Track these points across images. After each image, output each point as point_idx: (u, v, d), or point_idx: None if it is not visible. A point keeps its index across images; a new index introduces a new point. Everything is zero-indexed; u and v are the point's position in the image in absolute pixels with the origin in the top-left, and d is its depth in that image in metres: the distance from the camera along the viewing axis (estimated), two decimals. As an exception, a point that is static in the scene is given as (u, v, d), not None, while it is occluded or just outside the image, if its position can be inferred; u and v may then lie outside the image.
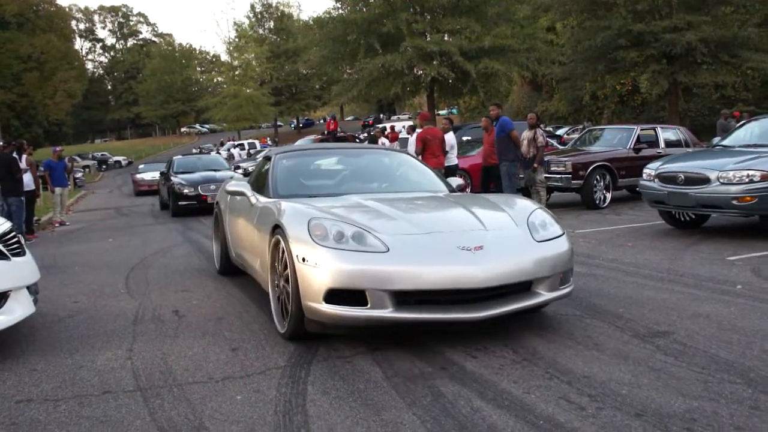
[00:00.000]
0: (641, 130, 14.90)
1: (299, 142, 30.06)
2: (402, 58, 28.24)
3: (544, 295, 4.80)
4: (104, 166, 58.53)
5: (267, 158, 7.23)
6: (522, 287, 4.73)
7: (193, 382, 4.18)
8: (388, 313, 4.38)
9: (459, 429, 3.31)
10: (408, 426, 3.37)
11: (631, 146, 14.18)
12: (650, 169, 9.91)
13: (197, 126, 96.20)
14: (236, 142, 49.86)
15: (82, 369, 4.55)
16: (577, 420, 3.35)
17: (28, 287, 5.32)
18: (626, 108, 41.38)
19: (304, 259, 4.55)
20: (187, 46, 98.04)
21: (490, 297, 4.55)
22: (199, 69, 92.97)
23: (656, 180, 9.61)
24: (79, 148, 74.12)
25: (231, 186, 6.82)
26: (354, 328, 4.69)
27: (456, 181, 7.13)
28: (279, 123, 74.36)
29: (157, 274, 8.29)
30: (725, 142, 10.62)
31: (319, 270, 4.44)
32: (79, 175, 37.26)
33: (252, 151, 42.43)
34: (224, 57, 69.26)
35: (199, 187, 16.92)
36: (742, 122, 12.62)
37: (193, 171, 18.54)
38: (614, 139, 14.89)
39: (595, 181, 13.51)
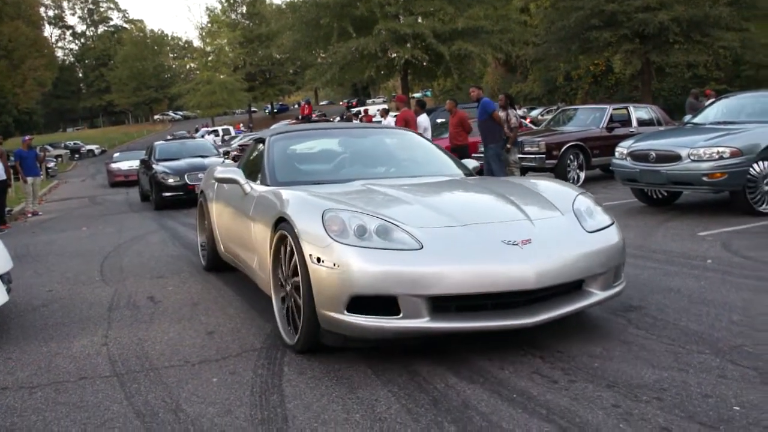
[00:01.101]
0: (614, 109, 15.02)
1: (273, 127, 29.88)
2: (375, 41, 28.22)
3: (597, 295, 4.16)
4: (77, 155, 57.89)
5: (259, 140, 6.48)
6: (572, 286, 4.11)
7: (170, 366, 4.19)
8: (424, 323, 3.68)
9: (433, 404, 3.35)
10: (383, 402, 3.41)
11: (604, 125, 14.29)
12: (622, 148, 10.00)
13: (170, 113, 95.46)
14: (210, 129, 49.55)
15: (57, 356, 4.55)
16: (550, 393, 3.41)
17: (0, 276, 5.28)
18: (600, 88, 41.64)
19: (319, 260, 3.82)
20: (159, 32, 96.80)
21: (539, 299, 3.92)
22: (171, 55, 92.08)
23: (628, 158, 9.70)
24: (50, 137, 73.20)
25: (220, 172, 5.74)
26: (382, 340, 3.99)
27: (471, 162, 6.37)
28: (253, 109, 73.89)
29: (132, 261, 8.26)
30: (696, 120, 10.73)
31: (339, 273, 3.73)
32: (51, 164, 36.67)
33: (227, 138, 42.18)
34: (197, 43, 69.05)
35: (185, 176, 15.10)
36: (712, 100, 12.77)
37: (177, 158, 16.70)
38: (587, 119, 14.99)
39: (568, 161, 13.61)
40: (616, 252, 4.31)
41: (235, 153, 24.56)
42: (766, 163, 8.72)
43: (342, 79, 35.30)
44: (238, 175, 5.60)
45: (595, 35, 27.45)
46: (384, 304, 3.72)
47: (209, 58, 60.99)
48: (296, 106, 76.95)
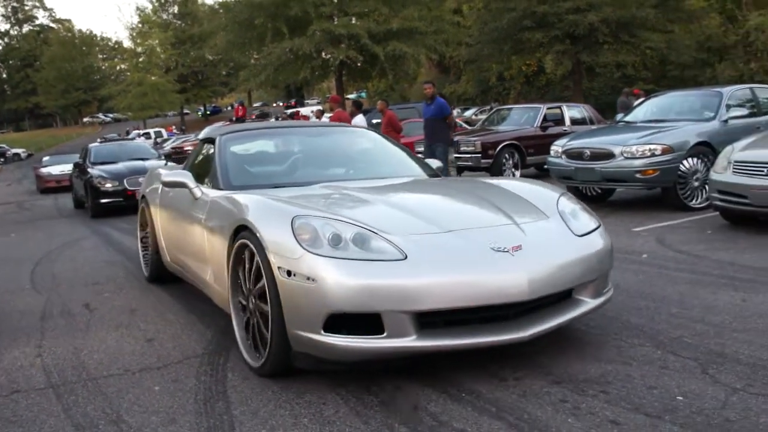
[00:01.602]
0: (547, 108, 15.26)
1: (206, 129, 29.43)
2: (310, 42, 28.10)
3: (588, 303, 3.88)
4: (2, 159, 56.10)
5: (207, 141, 5.98)
6: (562, 294, 3.82)
7: (109, 375, 4.06)
8: (411, 341, 3.33)
9: (382, 406, 3.33)
10: (331, 405, 3.37)
11: (538, 124, 14.53)
12: (557, 146, 10.18)
13: (100, 115, 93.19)
14: (142, 131, 48.59)
15: (-13, 369, 4.37)
16: (498, 390, 3.42)
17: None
18: (532, 88, 42.27)
19: (289, 273, 3.42)
20: (88, 32, 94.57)
21: (528, 310, 3.60)
22: (100, 56, 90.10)
23: (563, 156, 9.88)
24: (-27, 141, 70.79)
25: (166, 175, 5.27)
26: (363, 362, 3.59)
27: (435, 162, 6.13)
28: (186, 111, 72.85)
29: (65, 267, 8.01)
30: (628, 119, 11.00)
31: (314, 288, 3.32)
32: (-25, 169, 35.40)
33: (159, 140, 41.43)
34: (127, 43, 67.37)
35: (125, 181, 14.01)
36: (642, 99, 13.10)
37: (114, 161, 15.42)
38: (521, 118, 15.22)
39: (504, 160, 13.79)
40: (606, 256, 4.05)
41: (167, 155, 23.97)
42: (695, 159, 8.98)
43: (276, 81, 35.00)
44: (187, 178, 5.10)
45: (527, 36, 27.86)
46: (365, 322, 3.35)
47: (140, 59, 59.83)
48: (230, 108, 76.01)
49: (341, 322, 3.36)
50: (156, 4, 66.67)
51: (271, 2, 29.01)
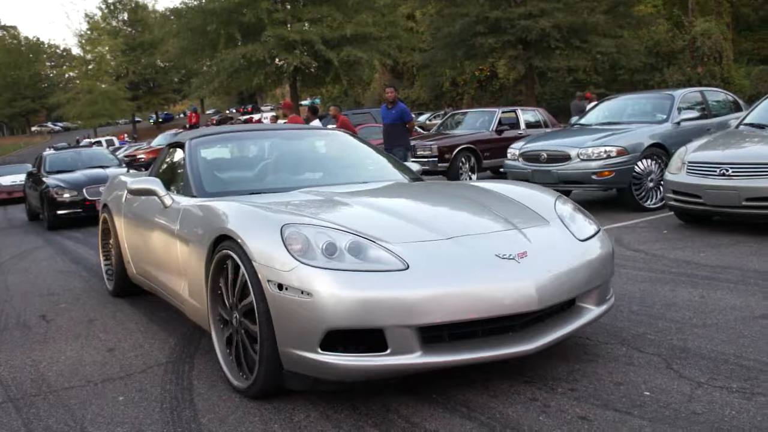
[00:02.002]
0: (503, 112, 15.41)
1: (159, 138, 29.06)
2: (263, 48, 27.94)
3: (593, 310, 3.69)
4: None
5: (174, 146, 5.71)
6: (567, 303, 3.61)
7: (70, 387, 3.97)
8: (416, 358, 3.08)
9: (352, 409, 3.31)
10: (301, 411, 3.34)
11: (494, 128, 14.67)
12: (514, 149, 10.30)
13: (49, 124, 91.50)
14: (93, 140, 47.79)
15: (-57, 383, 4.24)
16: (468, 391, 3.43)
17: None
18: (485, 93, 42.62)
19: (281, 287, 3.15)
20: (35, 39, 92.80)
21: (532, 320, 3.42)
22: (48, 64, 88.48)
23: (520, 159, 9.99)
24: None
25: (133, 182, 4.87)
26: (362, 382, 3.35)
27: (414, 166, 5.89)
28: (137, 118, 71.82)
29: (18, 279, 7.82)
30: (583, 121, 11.17)
31: (310, 302, 3.06)
32: None
33: (110, 149, 40.78)
34: (76, 51, 66.31)
35: (84, 190, 13.06)
36: (595, 102, 13.31)
37: (72, 169, 14.52)
38: (477, 122, 15.36)
39: (460, 164, 13.88)
40: (609, 261, 3.88)
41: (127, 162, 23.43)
42: (649, 161, 9.14)
43: (229, 88, 34.76)
44: (156, 185, 4.76)
45: (480, 41, 28.04)
46: (364, 338, 3.12)
47: (90, 67, 58.92)
48: (182, 115, 75.25)
49: (337, 339, 3.11)
50: (105, 11, 65.68)
51: (224, 8, 28.81)
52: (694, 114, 9.98)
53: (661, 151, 9.22)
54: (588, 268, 3.62)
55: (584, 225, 3.99)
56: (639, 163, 9.04)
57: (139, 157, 27.97)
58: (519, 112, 15.59)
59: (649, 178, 9.10)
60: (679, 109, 9.99)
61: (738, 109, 11.04)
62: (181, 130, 34.63)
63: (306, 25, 29.28)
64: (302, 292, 3.09)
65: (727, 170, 7.07)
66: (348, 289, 3.05)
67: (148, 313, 5.51)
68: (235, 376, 3.66)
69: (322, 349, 3.10)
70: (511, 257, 3.35)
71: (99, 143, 44.08)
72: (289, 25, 29.37)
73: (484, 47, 28.51)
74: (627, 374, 3.52)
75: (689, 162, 7.51)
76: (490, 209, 4.01)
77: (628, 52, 29.21)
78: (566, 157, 9.23)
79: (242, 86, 35.35)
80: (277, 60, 29.65)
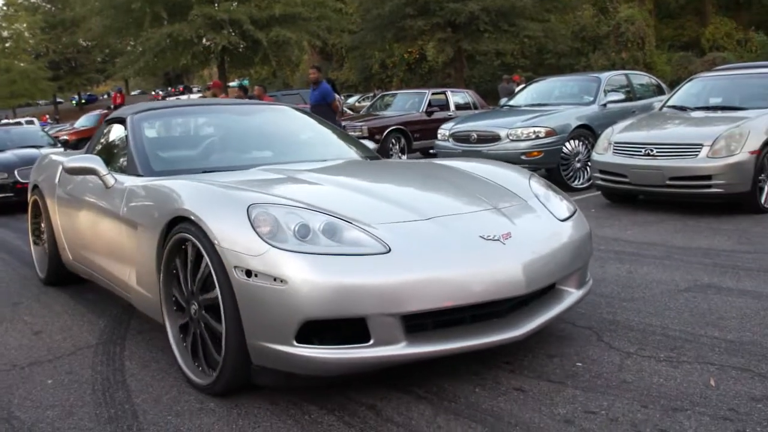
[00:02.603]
0: (432, 94, 15.51)
1: (82, 119, 28.24)
2: (190, 27, 27.34)
3: (573, 293, 3.55)
4: None
5: (112, 121, 5.30)
6: (548, 286, 3.43)
7: (-6, 370, 3.84)
8: (401, 349, 2.87)
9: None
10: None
11: (424, 109, 14.76)
12: (445, 130, 10.39)
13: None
14: (12, 121, 46.18)
15: None
16: (408, 367, 3.44)
17: None
18: (414, 76, 42.76)
19: (249, 273, 2.87)
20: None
21: (517, 305, 3.26)
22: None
23: (451, 139, 10.09)
24: None
25: (70, 161, 4.42)
26: (341, 376, 3.09)
27: (370, 144, 5.66)
28: (59, 99, 69.64)
29: (-65, 262, 7.52)
30: (512, 103, 11.33)
31: (283, 290, 2.78)
32: None
33: (31, 130, 39.45)
34: (-9, 28, 63.77)
35: (15, 172, 11.66)
36: (524, 85, 13.51)
37: (1, 149, 12.82)
38: (407, 104, 15.42)
39: (390, 144, 13.92)
40: (588, 242, 3.74)
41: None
42: (576, 141, 9.33)
43: (155, 68, 33.98)
44: (96, 163, 4.32)
45: (409, 23, 28.12)
46: (340, 329, 2.89)
47: (6, 45, 56.75)
48: (106, 96, 73.33)
49: (312, 330, 2.86)
50: (22, -14, 63.34)
51: (149, -14, 28.12)
52: (620, 96, 10.24)
53: (588, 132, 9.43)
54: (570, 250, 3.48)
55: (561, 204, 3.81)
56: (567, 144, 9.23)
57: (62, 138, 27.16)
58: (449, 93, 15.73)
59: (576, 159, 9.31)
60: (605, 92, 10.24)
61: (661, 92, 11.37)
62: (105, 111, 33.80)
63: (234, 4, 28.83)
64: (275, 279, 2.80)
65: (652, 150, 7.27)
66: (327, 275, 2.78)
67: (75, 296, 5.35)
68: (193, 371, 3.34)
69: (297, 342, 2.83)
70: (496, 238, 3.15)
71: (19, 125, 42.64)
72: (216, 5, 28.84)
73: (413, 29, 28.61)
74: (560, 347, 3.61)
75: (615, 142, 7.70)
76: (463, 188, 3.81)
77: (554, 37, 29.72)
78: (496, 138, 9.36)
79: (169, 66, 34.62)
80: (204, 40, 29.09)
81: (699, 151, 7.04)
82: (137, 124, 4.73)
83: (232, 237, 2.97)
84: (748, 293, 4.50)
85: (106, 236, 4.32)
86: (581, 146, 9.34)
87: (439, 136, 10.52)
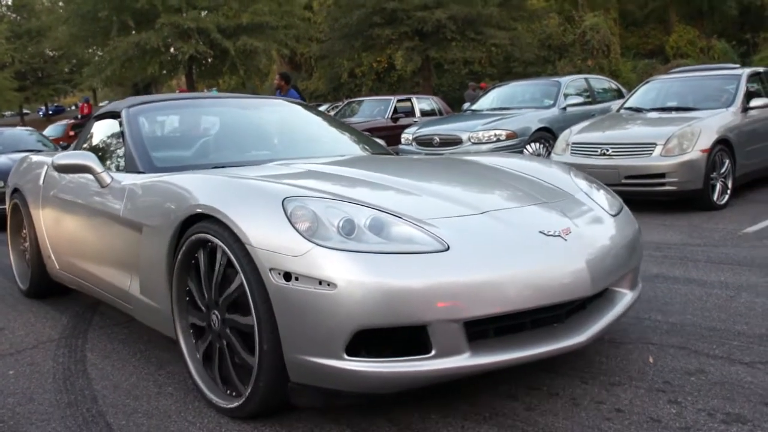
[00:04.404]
0: (398, 101, 15.69)
1: (49, 130, 28.07)
2: (158, 36, 27.29)
3: (627, 295, 3.22)
4: None
5: (102, 117, 4.91)
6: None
7: (-44, 364, 3.89)
8: (464, 360, 2.51)
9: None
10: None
11: (389, 116, 14.92)
12: (408, 134, 10.58)
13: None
14: (-23, 132, 45.66)
15: None
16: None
17: None
18: (383, 85, 42.94)
19: (288, 277, 2.49)
20: None
21: (575, 308, 2.96)
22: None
23: (414, 143, 10.25)
24: None
25: (60, 157, 3.92)
26: (393, 392, 2.61)
27: (380, 141, 5.29)
28: (26, 110, 68.95)
29: None
30: (474, 107, 11.54)
31: (333, 295, 2.41)
32: None
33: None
34: (-46, 38, 63.01)
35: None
36: (486, 89, 13.73)
37: None
38: (373, 110, 15.60)
39: (358, 151, 14.04)
40: (640, 239, 3.43)
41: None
42: (537, 144, 9.52)
43: (123, 77, 33.85)
44: (91, 160, 3.87)
45: (377, 32, 28.28)
46: (403, 338, 2.51)
47: (-30, 55, 56.13)
48: (73, 107, 72.67)
49: (367, 340, 2.49)
50: (-13, -3, 62.74)
51: (116, -6, 28.03)
52: (580, 100, 10.50)
53: (549, 135, 9.64)
54: (627, 247, 3.18)
55: (608, 199, 3.51)
56: (528, 146, 9.42)
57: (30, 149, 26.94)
58: (414, 100, 15.95)
59: (537, 161, 9.50)
60: (566, 95, 10.48)
61: (621, 96, 11.65)
62: (73, 121, 33.58)
63: (202, 13, 28.83)
64: (320, 283, 2.43)
65: (608, 150, 7.48)
66: (382, 277, 2.42)
67: (39, 295, 5.40)
68: (213, 391, 2.97)
69: (348, 355, 2.47)
70: (557, 234, 2.82)
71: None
72: (184, 13, 28.82)
73: (381, 38, 28.78)
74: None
75: (573, 143, 7.89)
76: (502, 182, 3.50)
77: (521, 45, 30.04)
78: (458, 141, 9.54)
79: (136, 76, 34.47)
80: (172, 49, 29.05)
81: (653, 150, 7.26)
82: (134, 118, 4.31)
83: (266, 235, 2.59)
84: (693, 281, 4.69)
85: (101, 241, 3.92)
86: (542, 148, 9.54)
87: (402, 140, 10.68)
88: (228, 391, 2.90)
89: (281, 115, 5.12)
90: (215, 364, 2.97)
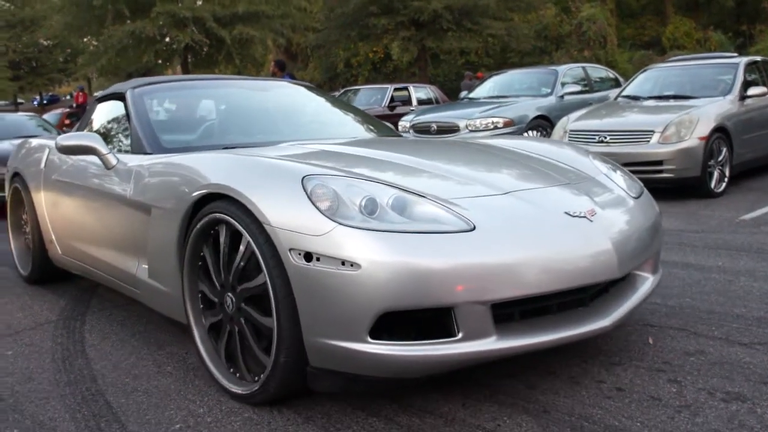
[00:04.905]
0: (395, 89, 15.70)
1: (44, 118, 27.89)
2: (153, 25, 27.20)
3: (650, 279, 3.16)
4: None
5: (105, 99, 4.83)
6: None
7: (-47, 345, 3.89)
8: (491, 344, 2.44)
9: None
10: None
11: (386, 104, 14.91)
12: (405, 121, 10.56)
13: None
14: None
15: None
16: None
17: None
18: (379, 75, 42.88)
19: (309, 257, 2.41)
20: None
21: (599, 291, 2.91)
22: None
23: (411, 131, 10.23)
24: None
25: (65, 139, 3.79)
26: (417, 376, 2.56)
27: (388, 124, 5.23)
28: (20, 100, 68.70)
29: None
30: (472, 95, 11.53)
31: (356, 276, 2.33)
32: None
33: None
34: (-52, 27, 62.70)
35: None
36: (484, 77, 13.73)
37: None
38: (370, 99, 15.61)
39: (355, 139, 14.05)
40: (661, 222, 3.38)
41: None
42: (534, 132, 9.52)
43: (117, 67, 33.71)
44: (95, 141, 3.75)
45: (374, 22, 28.21)
46: (427, 321, 2.45)
47: (-35, 45, 55.85)
48: (68, 97, 72.39)
49: (391, 323, 2.41)
50: (-19, -15, 62.40)
51: (111, -18, 27.91)
52: (577, 88, 10.49)
53: (546, 123, 9.65)
54: (651, 229, 3.12)
55: (628, 181, 3.46)
56: (525, 134, 9.41)
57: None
58: (411, 89, 15.98)
59: (534, 149, 9.50)
60: (563, 84, 10.48)
61: (618, 85, 11.67)
62: (68, 110, 33.47)
63: (198, 2, 28.74)
64: (343, 263, 2.35)
65: (605, 137, 7.48)
66: (408, 257, 2.34)
67: (35, 279, 5.39)
68: (226, 376, 2.89)
69: (371, 338, 2.39)
70: (582, 215, 2.76)
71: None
72: (179, 2, 28.72)
73: (377, 28, 28.70)
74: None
75: (571, 130, 7.89)
76: (522, 163, 3.44)
77: (518, 35, 30.00)
78: (455, 128, 9.54)
79: (131, 65, 34.31)
80: (167, 38, 28.95)
81: (650, 138, 7.27)
82: (139, 98, 4.22)
83: (286, 215, 2.50)
84: (691, 266, 4.70)
85: (106, 224, 3.82)
86: (539, 136, 9.53)
87: (399, 127, 10.65)
88: (238, 375, 2.85)
89: (292, 97, 5.02)
90: (228, 348, 2.91)
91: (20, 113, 16.05)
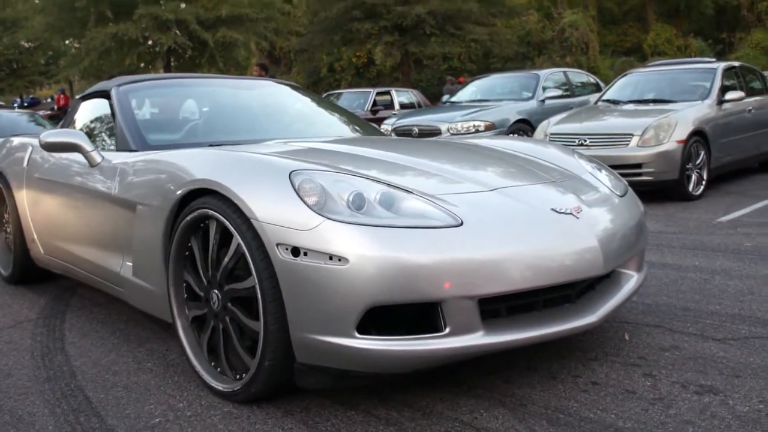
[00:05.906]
0: (377, 93, 15.76)
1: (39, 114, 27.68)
2: (136, 27, 27.10)
3: (635, 276, 3.19)
4: None
5: (89, 97, 4.78)
6: None
7: (-68, 342, 3.87)
8: (478, 339, 2.46)
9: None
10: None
11: (368, 108, 14.98)
12: (387, 125, 10.62)
13: None
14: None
15: None
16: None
17: None
18: (362, 80, 42.93)
19: (297, 252, 2.40)
20: None
21: (585, 288, 2.94)
22: None
23: (393, 134, 10.26)
24: None
25: (49, 135, 3.74)
26: (404, 371, 2.60)
27: (373, 124, 5.30)
28: (0, 102, 68.19)
29: None
30: (454, 99, 11.62)
31: (344, 271, 2.33)
32: None
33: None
34: (-73, 28, 62.12)
35: None
36: (466, 81, 13.82)
37: None
38: (353, 103, 15.65)
39: (337, 143, 14.08)
40: (646, 222, 3.45)
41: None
42: (516, 135, 9.57)
43: (100, 69, 33.54)
44: (80, 138, 3.71)
45: (357, 27, 28.29)
46: (414, 316, 2.46)
47: (-56, 46, 55.39)
48: (50, 99, 71.91)
49: (378, 318, 2.41)
50: (-40, -14, 61.88)
51: (94, -16, 27.78)
52: (558, 92, 10.59)
53: (527, 127, 9.72)
54: (636, 227, 3.17)
55: (613, 180, 3.52)
56: (507, 137, 9.49)
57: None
58: (393, 93, 16.07)
59: (515, 152, 9.57)
60: (544, 88, 10.56)
61: (599, 90, 11.78)
62: (49, 112, 33.21)
63: (181, 4, 28.65)
64: (330, 258, 2.35)
65: (585, 140, 7.55)
66: (396, 251, 2.35)
67: (15, 278, 5.37)
68: (211, 374, 2.87)
69: (359, 333, 2.38)
70: (569, 212, 2.80)
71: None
72: (162, 4, 28.63)
73: (360, 33, 28.79)
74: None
75: (551, 134, 7.96)
76: (509, 162, 3.46)
77: (500, 41, 30.18)
78: (437, 132, 9.61)
79: (114, 68, 34.12)
80: (150, 40, 28.84)
81: (629, 141, 7.35)
82: (124, 96, 4.20)
83: (273, 209, 2.50)
84: (668, 266, 4.76)
85: (90, 222, 3.79)
86: (520, 140, 9.62)
87: (381, 131, 10.73)
88: (219, 370, 2.85)
89: (275, 95, 5.03)
90: (211, 342, 2.91)
91: (17, 110, 15.53)
